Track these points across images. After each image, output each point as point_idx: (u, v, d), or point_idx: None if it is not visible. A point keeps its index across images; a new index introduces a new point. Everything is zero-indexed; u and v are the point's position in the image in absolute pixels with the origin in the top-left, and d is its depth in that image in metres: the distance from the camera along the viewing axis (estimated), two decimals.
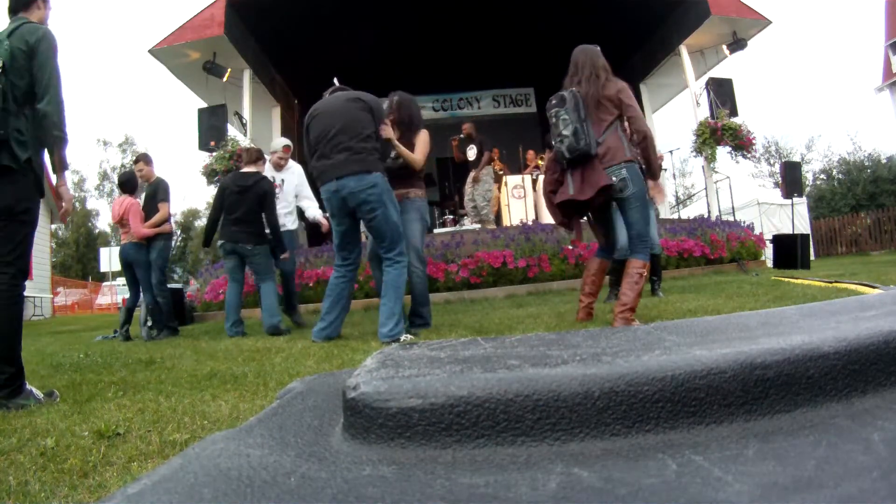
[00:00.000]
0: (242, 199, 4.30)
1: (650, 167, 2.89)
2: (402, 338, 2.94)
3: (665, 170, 9.67)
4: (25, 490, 1.14)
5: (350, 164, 2.94)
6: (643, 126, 2.82)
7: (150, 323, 4.77)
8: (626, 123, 2.90)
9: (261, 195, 4.25)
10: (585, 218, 3.13)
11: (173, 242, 5.16)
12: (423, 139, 3.44)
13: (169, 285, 5.09)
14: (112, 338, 5.20)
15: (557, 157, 2.87)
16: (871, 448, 0.55)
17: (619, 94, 2.82)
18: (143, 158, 5.04)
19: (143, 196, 5.00)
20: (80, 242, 31.34)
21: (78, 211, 31.80)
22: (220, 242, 4.43)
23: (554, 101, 2.83)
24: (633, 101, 2.86)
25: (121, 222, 4.83)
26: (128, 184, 4.98)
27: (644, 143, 2.81)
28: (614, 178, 2.77)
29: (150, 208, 4.81)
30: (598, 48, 2.95)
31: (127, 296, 5.10)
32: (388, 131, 3.23)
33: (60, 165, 2.08)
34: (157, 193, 4.84)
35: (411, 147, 3.40)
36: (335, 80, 3.27)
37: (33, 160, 2.01)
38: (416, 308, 3.44)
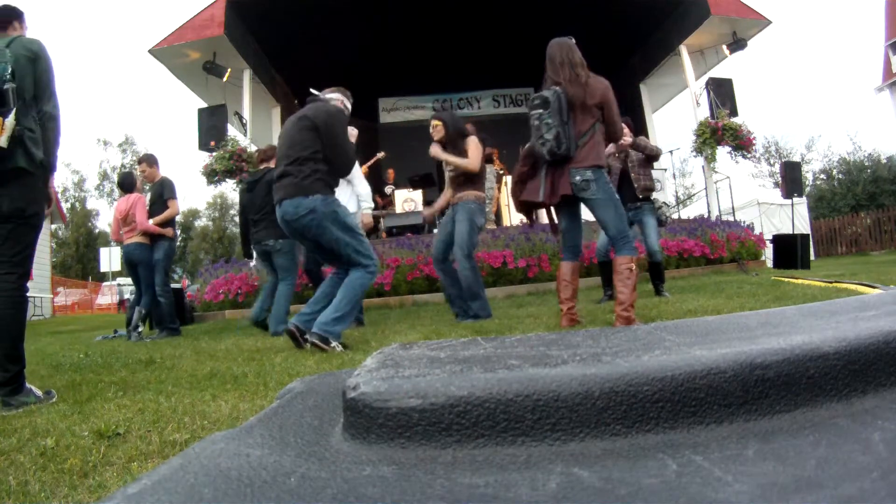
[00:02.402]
0: (254, 195, 4.31)
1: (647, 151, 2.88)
2: (332, 343, 2.74)
3: (665, 169, 9.69)
4: (25, 490, 1.14)
5: (287, 189, 2.85)
6: (619, 130, 2.92)
7: (140, 329, 4.77)
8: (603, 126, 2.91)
9: (269, 185, 4.24)
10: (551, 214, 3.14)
11: (176, 242, 5.18)
12: (473, 144, 3.75)
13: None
14: (112, 338, 5.20)
15: (536, 155, 2.90)
16: (871, 448, 0.55)
17: (605, 94, 2.82)
18: (147, 160, 5.04)
19: (148, 197, 5.00)
20: (80, 242, 31.36)
21: (78, 211, 31.83)
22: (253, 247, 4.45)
23: (537, 102, 2.80)
24: (612, 101, 2.87)
25: (125, 219, 4.80)
26: (125, 183, 5.01)
27: (637, 144, 2.86)
28: (577, 178, 2.78)
29: (156, 209, 4.81)
30: (573, 41, 2.91)
31: (128, 296, 5.13)
32: (435, 150, 3.71)
33: (52, 167, 2.13)
34: (164, 192, 4.84)
35: (464, 155, 3.70)
36: (311, 90, 3.24)
37: (45, 161, 2.05)
38: (466, 303, 3.72)
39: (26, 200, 2.00)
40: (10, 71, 1.95)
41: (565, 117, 2.75)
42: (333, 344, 2.75)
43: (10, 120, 1.89)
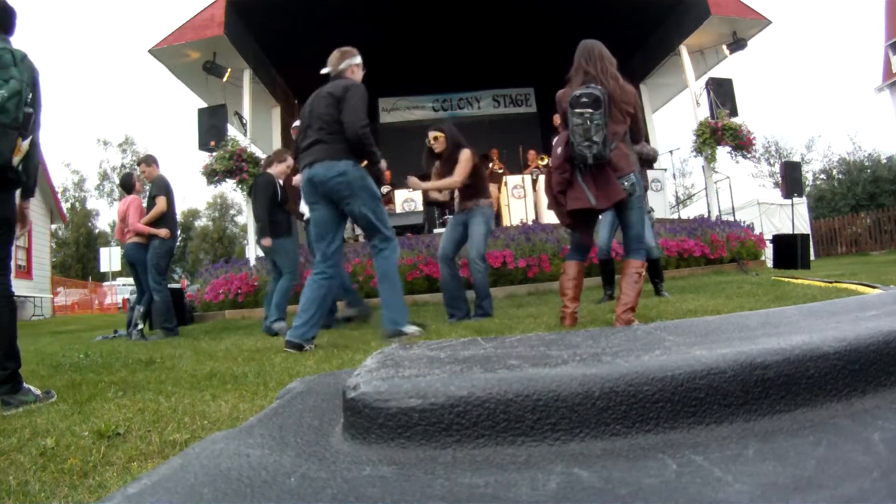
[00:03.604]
0: (251, 200, 4.53)
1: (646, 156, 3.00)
2: (408, 329, 3.01)
3: (665, 169, 9.69)
4: (25, 490, 1.14)
5: (319, 153, 3.05)
6: (643, 133, 2.99)
7: (140, 326, 4.82)
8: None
9: (257, 192, 4.36)
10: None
11: (175, 241, 5.16)
12: (464, 158, 3.75)
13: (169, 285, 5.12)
14: (112, 338, 5.20)
15: (574, 160, 2.73)
16: (871, 448, 0.55)
17: (635, 98, 2.84)
18: (145, 160, 5.10)
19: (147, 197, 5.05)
20: (80, 242, 31.37)
21: (78, 211, 31.84)
22: None
23: (586, 101, 2.64)
24: (639, 107, 2.91)
25: (124, 220, 4.92)
26: (125, 184, 5.10)
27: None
28: (625, 184, 2.79)
29: (151, 208, 4.85)
30: (599, 42, 2.91)
31: (127, 296, 5.17)
32: (413, 182, 3.80)
33: (32, 192, 2.21)
34: (152, 189, 4.88)
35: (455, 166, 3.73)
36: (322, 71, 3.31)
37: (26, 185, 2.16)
38: (478, 301, 3.84)
39: (10, 209, 2.10)
40: (30, 95, 1.99)
41: (607, 119, 2.67)
42: (411, 329, 3.02)
43: (27, 144, 2.00)
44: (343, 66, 3.21)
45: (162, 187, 4.83)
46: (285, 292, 4.29)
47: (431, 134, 3.81)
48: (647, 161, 4.32)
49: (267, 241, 4.28)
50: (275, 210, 4.34)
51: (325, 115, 3.05)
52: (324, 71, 3.24)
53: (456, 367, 0.74)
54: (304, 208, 4.17)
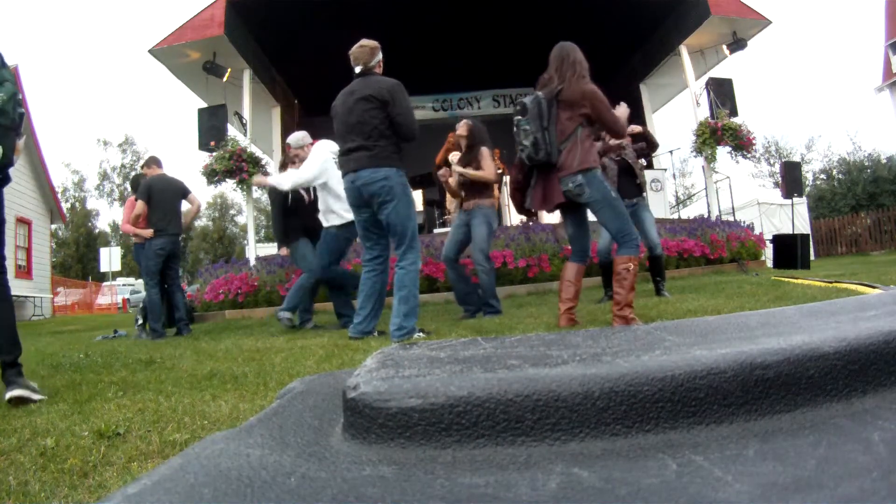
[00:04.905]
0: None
1: (650, 143, 3.10)
2: (416, 335, 3.06)
3: (665, 169, 9.69)
4: (25, 490, 1.14)
5: (364, 160, 3.09)
6: (620, 129, 2.92)
7: (140, 321, 4.88)
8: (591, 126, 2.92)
9: (271, 199, 4.44)
10: (560, 219, 3.21)
11: (165, 243, 5.13)
12: (487, 155, 3.93)
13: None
14: (112, 338, 5.21)
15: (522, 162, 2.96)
16: (871, 448, 0.55)
17: (589, 96, 2.76)
18: (146, 163, 5.18)
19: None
20: (80, 242, 31.37)
21: (78, 211, 31.85)
22: None
23: (517, 108, 2.84)
24: (603, 104, 2.78)
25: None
26: (132, 185, 5.19)
27: (643, 141, 2.90)
28: (570, 185, 2.77)
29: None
30: (574, 45, 2.90)
31: (127, 296, 5.22)
32: (456, 168, 3.92)
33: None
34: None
35: (475, 162, 3.90)
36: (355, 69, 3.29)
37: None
38: (485, 299, 3.93)
39: (2, 207, 2.14)
40: (20, 96, 2.01)
41: (545, 122, 2.74)
42: (416, 335, 3.05)
43: (21, 143, 2.04)
44: (373, 62, 3.22)
45: (142, 190, 4.82)
46: (298, 287, 4.29)
47: (462, 123, 4.04)
48: (651, 146, 4.28)
49: (283, 252, 4.35)
50: (288, 217, 4.38)
51: (368, 120, 3.07)
52: (357, 70, 3.22)
53: (456, 367, 0.74)
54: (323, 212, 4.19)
